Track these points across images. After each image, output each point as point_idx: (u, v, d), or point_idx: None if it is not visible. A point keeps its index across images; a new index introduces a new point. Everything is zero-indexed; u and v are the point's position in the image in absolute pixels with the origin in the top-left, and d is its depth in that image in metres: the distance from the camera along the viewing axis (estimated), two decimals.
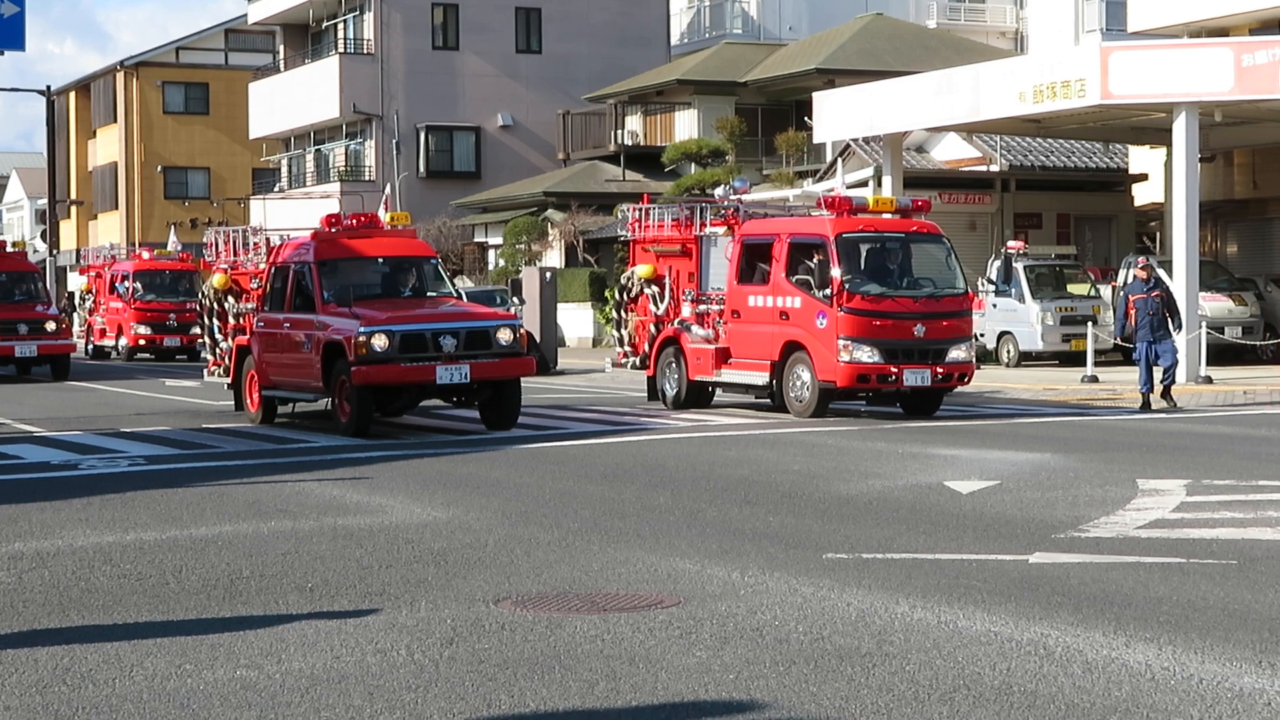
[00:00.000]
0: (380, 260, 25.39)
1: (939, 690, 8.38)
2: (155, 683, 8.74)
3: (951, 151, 50.99)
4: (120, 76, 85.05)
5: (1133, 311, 27.04)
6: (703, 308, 27.45)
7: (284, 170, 76.85)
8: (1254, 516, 14.39)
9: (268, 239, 27.45)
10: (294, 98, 71.79)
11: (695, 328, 27.41)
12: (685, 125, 62.55)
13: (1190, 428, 23.47)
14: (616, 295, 30.03)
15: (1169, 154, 36.93)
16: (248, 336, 26.50)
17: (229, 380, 27.33)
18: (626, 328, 29.51)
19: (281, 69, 75.34)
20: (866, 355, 24.55)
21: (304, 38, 74.06)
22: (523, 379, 24.47)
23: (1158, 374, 26.88)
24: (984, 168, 49.54)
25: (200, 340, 48.76)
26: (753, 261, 26.50)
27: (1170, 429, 23.27)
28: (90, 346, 53.73)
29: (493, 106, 69.05)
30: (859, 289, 24.78)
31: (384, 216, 26.34)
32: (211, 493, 17.07)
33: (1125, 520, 14.23)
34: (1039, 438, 21.92)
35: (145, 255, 53.67)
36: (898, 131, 40.78)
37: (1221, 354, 35.95)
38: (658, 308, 28.43)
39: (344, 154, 70.82)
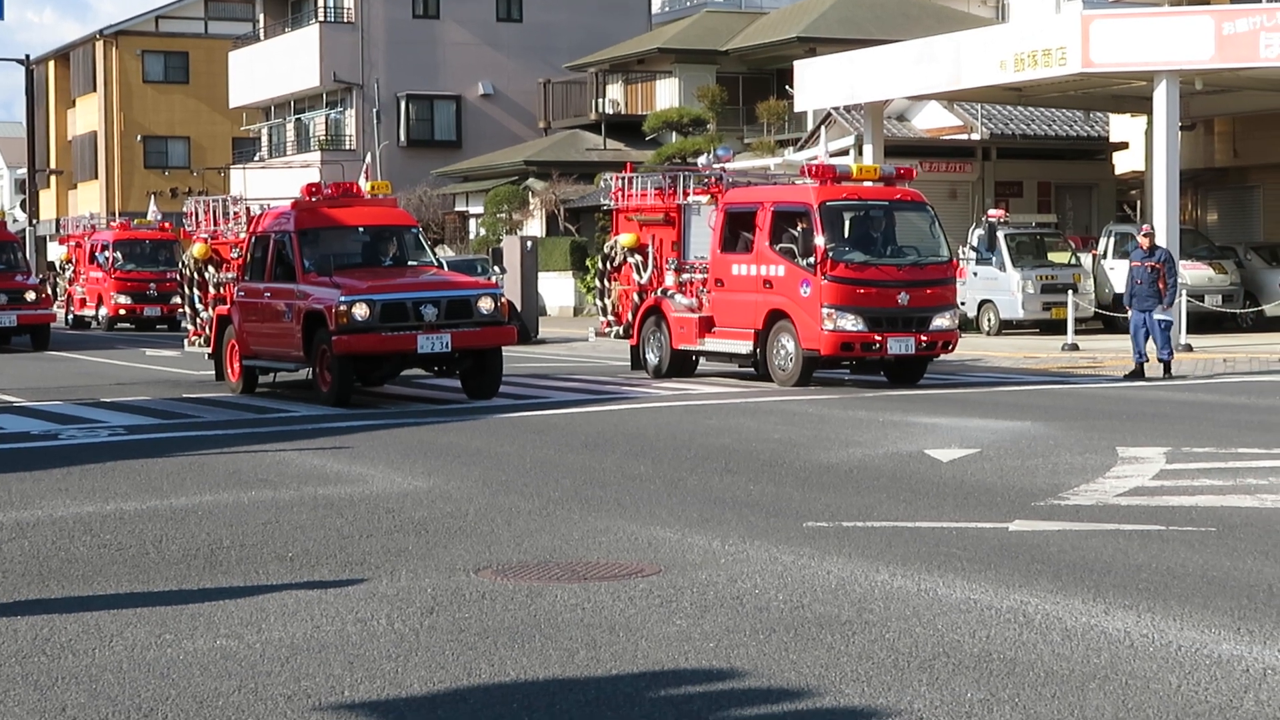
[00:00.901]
0: (361, 230, 25.25)
1: (918, 658, 8.39)
2: (135, 652, 8.74)
3: (933, 120, 51.00)
4: (100, 45, 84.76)
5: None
6: (686, 276, 27.35)
7: (264, 139, 76.66)
8: (1233, 484, 14.42)
9: (248, 208, 27.33)
10: (274, 67, 71.60)
11: (678, 297, 27.33)
12: (666, 94, 62.47)
13: (1170, 395, 23.51)
14: (600, 264, 29.93)
15: (1149, 122, 36.94)
16: (228, 306, 26.41)
17: (209, 350, 27.27)
18: (610, 297, 29.38)
19: (261, 38, 75.11)
20: (850, 323, 24.49)
21: (284, 6, 73.87)
22: (504, 348, 24.47)
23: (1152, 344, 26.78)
24: (965, 136, 49.56)
25: (180, 310, 49.12)
26: (736, 230, 26.42)
27: (1150, 397, 23.31)
28: (70, 316, 53.61)
29: (473, 75, 68.92)
30: (843, 257, 24.73)
31: (365, 186, 26.20)
32: (192, 462, 17.05)
33: (1105, 488, 14.26)
34: (1019, 405, 21.95)
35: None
36: (879, 100, 40.77)
37: (1202, 322, 36.03)
38: (641, 277, 28.29)
39: (324, 123, 70.66)
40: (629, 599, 9.90)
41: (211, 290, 27.53)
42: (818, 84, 41.56)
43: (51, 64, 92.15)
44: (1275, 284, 36.41)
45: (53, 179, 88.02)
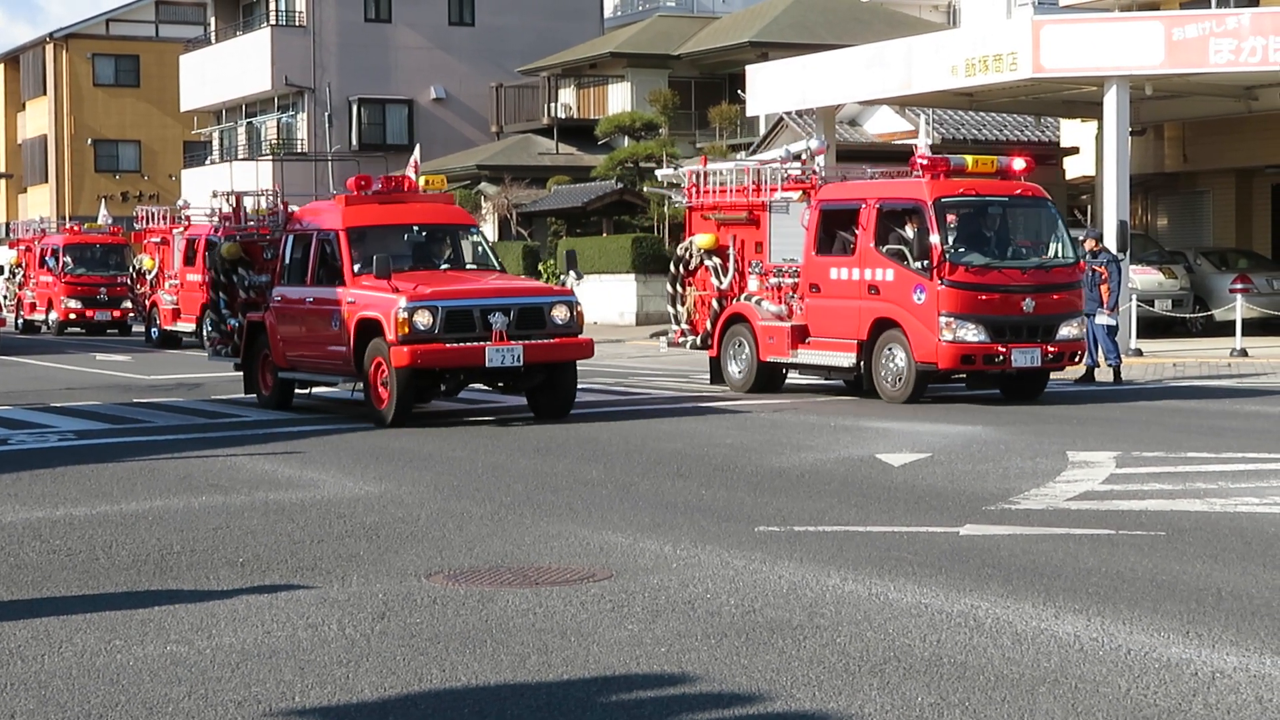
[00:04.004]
0: (416, 228, 22.80)
1: (869, 662, 8.41)
2: (85, 659, 8.70)
3: (884, 125, 51.09)
4: (50, 48, 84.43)
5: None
6: (775, 281, 25.01)
7: (215, 143, 76.40)
8: (1182, 488, 14.49)
9: (285, 204, 24.85)
10: (225, 70, 71.38)
11: (766, 303, 25.03)
12: (619, 98, 62.51)
13: (1120, 400, 23.61)
14: (672, 268, 27.33)
15: (1100, 127, 37.08)
16: (261, 312, 23.91)
17: (237, 360, 24.72)
18: (684, 304, 26.84)
19: (213, 41, 74.87)
20: (972, 334, 22.43)
21: (235, 9, 73.66)
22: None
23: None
24: (915, 141, 49.63)
25: (131, 314, 48.97)
26: (833, 230, 24.17)
27: (1100, 401, 23.41)
28: (20, 321, 53.38)
29: (425, 79, 68.85)
30: (962, 259, 22.58)
31: (418, 180, 23.72)
32: (142, 467, 16.98)
33: (1055, 492, 14.31)
34: (970, 411, 22.01)
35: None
36: (830, 105, 40.84)
37: (1152, 326, 36.17)
38: (720, 281, 25.93)
39: (276, 127, 70.47)
40: (580, 604, 9.89)
41: (241, 294, 24.76)
42: (770, 89, 41.62)
43: (1, 66, 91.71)
44: (1224, 289, 36.53)
45: (2, 182, 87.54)
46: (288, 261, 23.41)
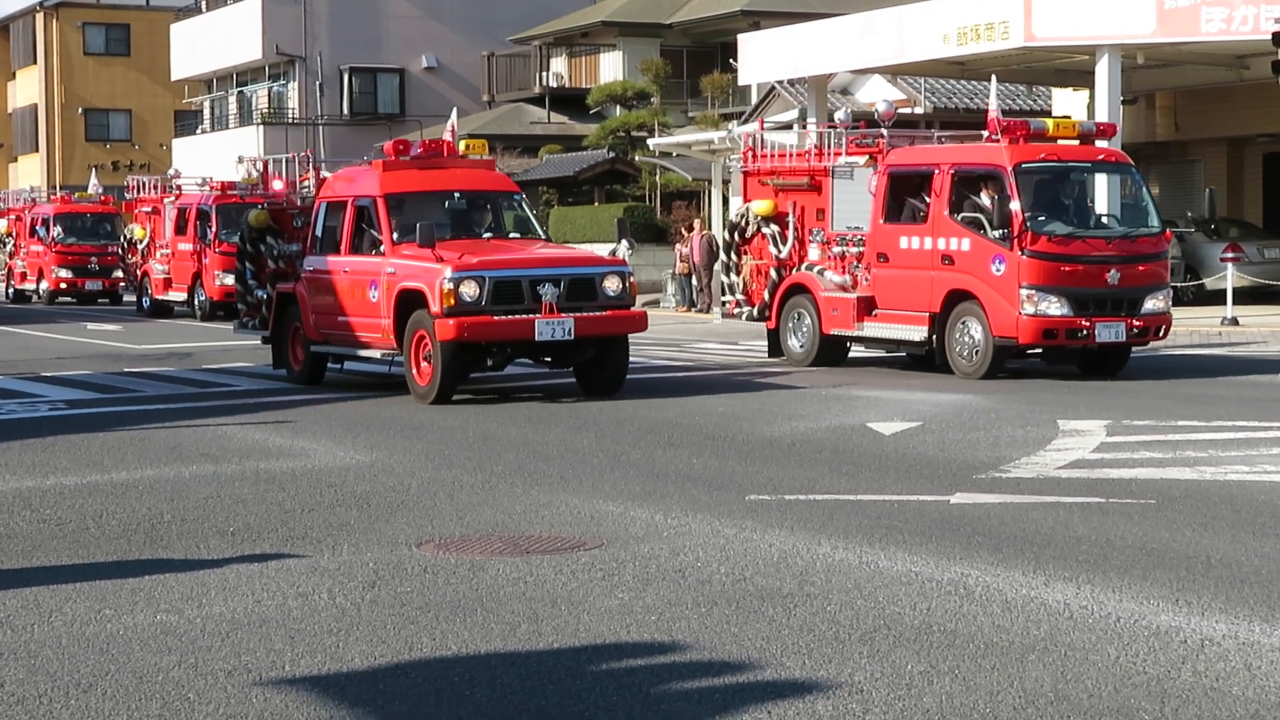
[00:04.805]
0: (457, 195, 21.76)
1: (860, 630, 8.42)
2: (74, 628, 8.70)
3: (876, 94, 50.96)
4: (40, 17, 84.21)
5: None
6: (838, 250, 23.91)
7: (206, 112, 76.26)
8: (1172, 456, 14.50)
9: (318, 169, 24.15)
10: (216, 39, 71.22)
11: (829, 273, 23.95)
12: (610, 67, 62.41)
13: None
14: (726, 235, 26.32)
15: (1091, 96, 37.04)
16: (292, 284, 22.87)
17: (265, 334, 23.77)
18: (740, 273, 25.75)
19: (203, 9, 74.69)
20: (1054, 307, 21.45)
21: None
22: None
23: None
24: (908, 110, 49.58)
25: (122, 284, 48.87)
26: (901, 196, 23.12)
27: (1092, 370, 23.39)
28: (10, 290, 53.32)
29: (417, 48, 68.71)
30: (1044, 229, 21.59)
31: (457, 144, 22.70)
32: (133, 437, 16.97)
33: (1046, 460, 14.32)
34: (961, 380, 21.99)
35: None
36: (822, 74, 40.77)
37: None
38: (779, 250, 24.83)
39: (267, 96, 70.34)
40: (571, 572, 9.90)
41: (271, 264, 23.83)
42: (761, 58, 41.53)
43: None
44: (1215, 258, 36.52)
45: None
46: (320, 230, 22.36)
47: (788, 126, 42.78)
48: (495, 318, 19.60)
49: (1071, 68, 38.63)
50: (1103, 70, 33.32)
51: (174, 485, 13.60)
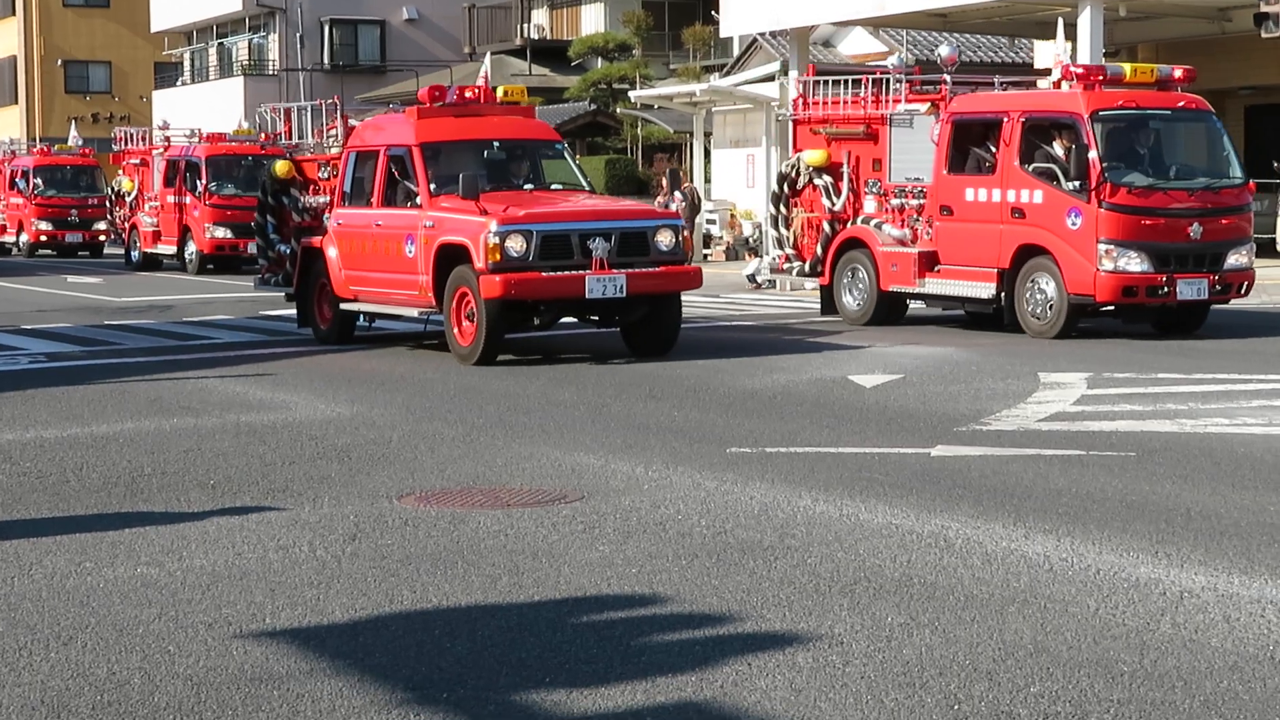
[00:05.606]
0: (496, 145, 20.66)
1: (840, 582, 8.43)
2: (54, 580, 8.69)
3: (858, 46, 50.91)
4: None
5: None
6: (897, 202, 22.90)
7: (186, 64, 75.98)
8: (1153, 409, 14.53)
9: (346, 118, 22.79)
10: None
11: (887, 227, 22.87)
12: (592, 19, 62.25)
13: (1092, 322, 23.56)
14: (775, 186, 25.08)
15: (1074, 49, 37.01)
16: (320, 238, 21.73)
17: (289, 290, 22.69)
18: (790, 226, 24.66)
19: None
20: (1135, 263, 20.40)
21: None
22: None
23: None
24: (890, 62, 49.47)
25: (108, 237, 48.72)
26: (965, 146, 22.08)
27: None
28: None
29: None
30: (1123, 180, 20.52)
31: (495, 90, 21.63)
32: (113, 390, 16.93)
33: (1026, 413, 14.34)
34: (943, 332, 22.01)
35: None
36: (804, 26, 40.64)
37: None
38: (834, 202, 23.75)
39: (247, 48, 70.08)
40: (552, 525, 9.90)
41: (295, 218, 22.88)
42: (743, 10, 41.36)
43: None
44: None
45: None
46: (349, 182, 21.29)
47: (770, 78, 42.72)
48: (543, 274, 18.58)
49: (1054, 19, 38.57)
50: (1085, 22, 33.26)
51: (154, 438, 13.58)
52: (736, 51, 52.32)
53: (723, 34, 46.49)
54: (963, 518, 9.93)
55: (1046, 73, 25.64)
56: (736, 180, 42.71)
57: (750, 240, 40.04)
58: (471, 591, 8.38)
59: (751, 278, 32.02)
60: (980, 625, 7.61)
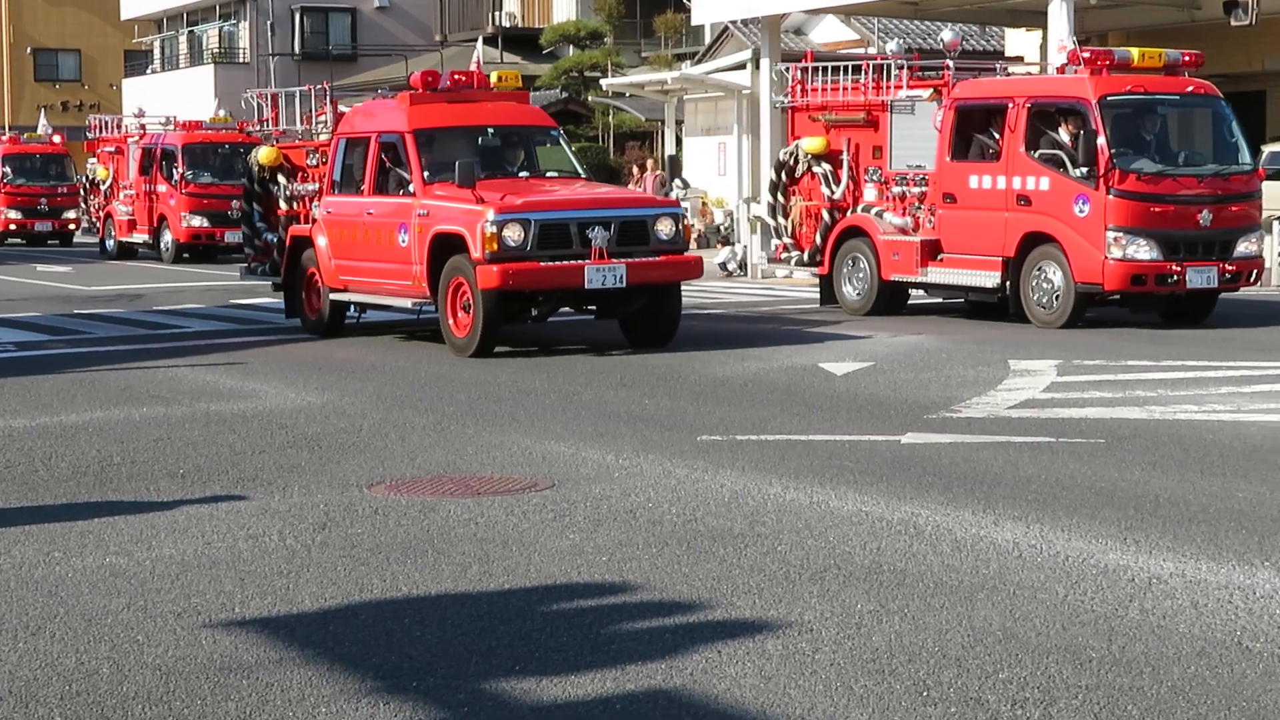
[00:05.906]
0: (490, 131, 20.27)
1: (810, 570, 8.44)
2: (23, 570, 8.66)
3: (830, 34, 50.94)
4: None
5: None
6: (898, 190, 22.59)
7: (157, 52, 75.71)
8: (1122, 396, 14.57)
9: (335, 102, 22.41)
10: None
11: (888, 215, 22.58)
12: (564, 7, 62.13)
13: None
14: (773, 174, 24.79)
15: (1045, 37, 37.04)
16: (309, 226, 21.36)
17: (276, 280, 22.46)
18: (788, 215, 24.41)
19: None
20: (1144, 251, 20.11)
21: None
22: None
23: None
24: (862, 50, 49.54)
25: (79, 225, 48.57)
26: (969, 133, 21.78)
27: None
28: None
29: None
30: (1132, 166, 20.25)
31: (489, 76, 21.31)
32: (83, 379, 16.89)
33: (996, 400, 14.37)
34: (913, 320, 22.04)
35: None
36: (776, 13, 40.63)
37: None
38: (833, 190, 23.47)
39: (218, 35, 69.83)
40: (522, 513, 9.90)
41: (283, 205, 22.53)
42: None
43: None
44: None
45: None
46: (339, 169, 20.89)
47: (741, 66, 42.71)
48: (542, 264, 18.18)
49: (1024, 8, 38.58)
50: (1056, 10, 33.29)
51: (124, 427, 13.55)
52: (708, 39, 52.27)
53: (694, 22, 46.38)
54: (932, 505, 9.95)
55: (1019, 60, 25.44)
56: (708, 168, 42.71)
57: (722, 229, 40.05)
58: (441, 580, 8.37)
59: (723, 266, 32.04)
60: (949, 612, 7.62)
